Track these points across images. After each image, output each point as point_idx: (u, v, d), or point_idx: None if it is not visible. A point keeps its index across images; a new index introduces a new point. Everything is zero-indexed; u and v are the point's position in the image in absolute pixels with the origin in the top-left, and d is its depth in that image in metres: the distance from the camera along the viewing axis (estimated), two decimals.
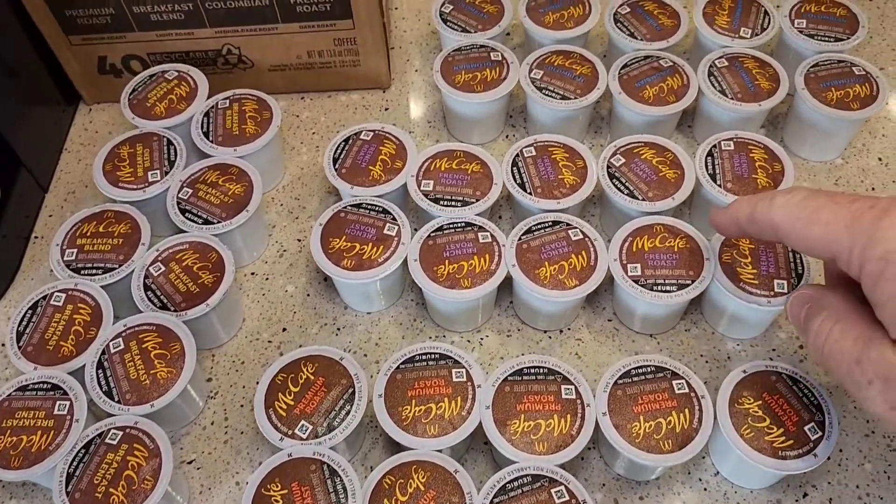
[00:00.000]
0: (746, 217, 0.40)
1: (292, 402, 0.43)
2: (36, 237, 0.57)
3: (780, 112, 0.59)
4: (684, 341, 0.51)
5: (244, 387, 0.50)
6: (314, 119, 0.62)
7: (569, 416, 0.42)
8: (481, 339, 0.51)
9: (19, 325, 0.47)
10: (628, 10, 0.60)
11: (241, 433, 0.48)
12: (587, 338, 0.51)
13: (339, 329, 0.52)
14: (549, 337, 0.51)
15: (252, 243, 0.54)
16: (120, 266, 0.49)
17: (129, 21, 0.57)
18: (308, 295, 0.53)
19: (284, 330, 0.52)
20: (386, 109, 0.63)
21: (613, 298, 0.51)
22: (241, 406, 0.49)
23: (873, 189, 0.57)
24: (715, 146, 0.52)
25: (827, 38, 0.57)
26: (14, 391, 0.44)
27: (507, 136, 0.60)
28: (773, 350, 0.50)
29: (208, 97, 0.57)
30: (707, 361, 0.50)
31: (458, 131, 0.60)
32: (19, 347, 0.46)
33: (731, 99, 0.54)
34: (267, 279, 0.54)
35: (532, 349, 0.51)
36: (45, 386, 0.44)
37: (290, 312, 0.53)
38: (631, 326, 0.51)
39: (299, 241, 0.56)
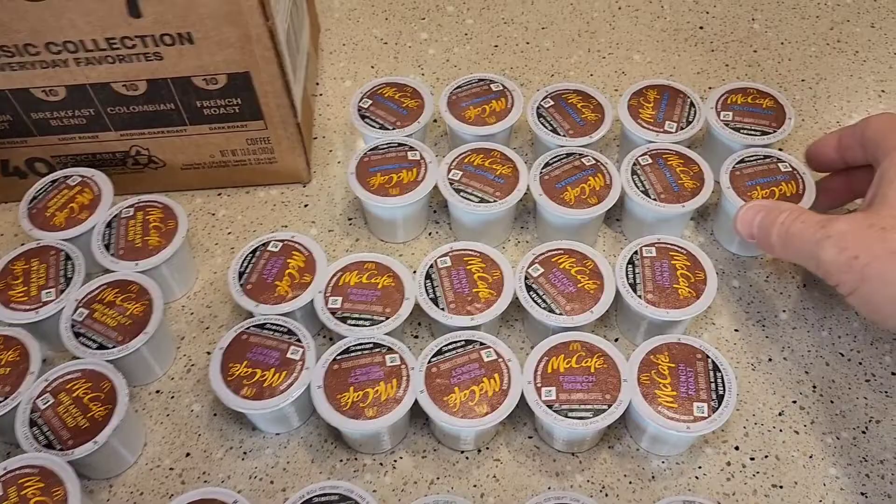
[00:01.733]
0: (836, 145, 0.52)
1: None
2: None
3: (711, 203, 0.58)
4: (607, 459, 0.48)
5: None
6: (230, 217, 0.60)
7: None
8: (395, 460, 0.49)
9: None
10: (552, 103, 0.58)
11: None
12: (506, 458, 0.49)
13: (245, 453, 0.49)
14: (467, 458, 0.49)
15: (158, 360, 0.51)
16: (5, 399, 0.46)
17: (29, 126, 0.54)
18: (215, 415, 0.51)
19: (188, 455, 0.49)
20: (305, 206, 0.60)
21: (534, 416, 0.49)
22: None
23: (805, 286, 0.55)
24: (636, 253, 0.50)
25: (753, 132, 0.56)
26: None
27: (430, 234, 0.58)
28: (700, 468, 0.48)
29: (115, 198, 0.54)
30: (631, 482, 0.47)
31: (379, 232, 0.57)
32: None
33: (655, 200, 0.52)
34: (172, 397, 0.51)
35: (448, 472, 0.48)
36: None
37: (195, 435, 0.50)
38: (552, 445, 0.48)
39: (209, 353, 0.53)
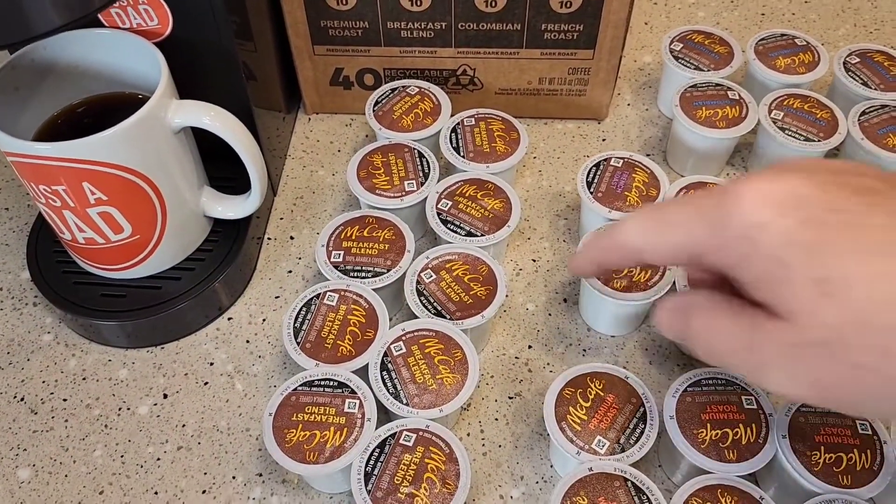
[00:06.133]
0: (601, 252, 0.39)
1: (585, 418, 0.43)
2: (269, 238, 0.58)
3: None
4: None
5: (496, 400, 0.50)
6: (534, 144, 0.63)
7: (868, 451, 0.42)
8: None
9: (295, 322, 0.47)
10: (857, 59, 0.61)
11: (499, 447, 0.48)
12: None
13: (584, 350, 0.52)
14: None
15: (498, 260, 0.54)
16: (388, 271, 0.49)
17: (379, 36, 0.58)
18: (549, 314, 0.54)
19: (530, 347, 0.52)
20: (603, 140, 0.64)
21: None
22: (496, 420, 0.49)
23: None
24: None
25: None
26: (300, 385, 0.44)
27: (726, 175, 0.61)
28: None
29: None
30: None
31: (682, 166, 0.60)
32: (297, 343, 0.46)
33: None
34: (507, 296, 0.54)
35: None
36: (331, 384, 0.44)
37: (534, 331, 0.53)
38: None
39: (534, 261, 0.56)
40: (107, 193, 0.45)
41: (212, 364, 0.51)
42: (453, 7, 0.56)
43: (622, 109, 0.66)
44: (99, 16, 0.48)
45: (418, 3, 0.56)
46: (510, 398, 0.50)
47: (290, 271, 0.56)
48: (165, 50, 0.47)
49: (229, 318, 0.53)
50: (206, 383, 0.50)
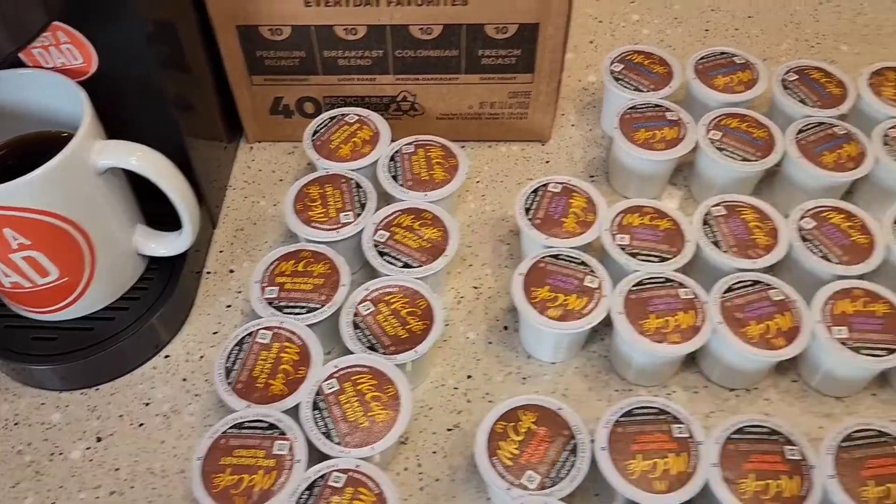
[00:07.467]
0: None
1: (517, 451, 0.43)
2: (209, 272, 0.57)
3: None
4: (873, 405, 0.51)
5: (434, 433, 0.49)
6: (477, 168, 0.63)
7: (797, 477, 0.42)
8: (668, 394, 0.51)
9: (227, 361, 0.47)
10: (796, 77, 0.61)
11: (437, 481, 0.47)
12: (775, 398, 0.51)
13: (524, 378, 0.52)
14: (737, 395, 0.51)
15: (437, 289, 0.54)
16: (322, 306, 0.49)
17: (317, 65, 0.58)
18: (490, 343, 0.53)
19: (469, 377, 0.52)
20: (547, 162, 0.64)
21: (800, 359, 0.51)
22: (434, 453, 0.49)
23: None
24: None
25: None
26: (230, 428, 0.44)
27: (668, 194, 0.61)
28: None
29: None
30: None
31: (624, 188, 0.60)
32: (229, 383, 0.46)
33: None
34: (447, 325, 0.54)
35: (721, 407, 0.51)
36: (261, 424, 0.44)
37: (474, 360, 0.53)
38: (816, 388, 0.51)
39: (475, 288, 0.56)
40: (30, 238, 0.45)
41: (147, 404, 0.51)
42: (389, 36, 0.56)
43: (566, 130, 0.66)
44: (21, 56, 0.48)
45: (353, 33, 0.56)
46: (448, 430, 0.50)
47: (229, 306, 0.55)
48: (92, 88, 0.47)
49: (166, 356, 0.53)
50: (141, 424, 0.50)
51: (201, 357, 0.53)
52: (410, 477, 0.48)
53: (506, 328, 0.54)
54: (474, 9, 0.54)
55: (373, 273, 0.52)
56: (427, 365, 0.51)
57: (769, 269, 0.52)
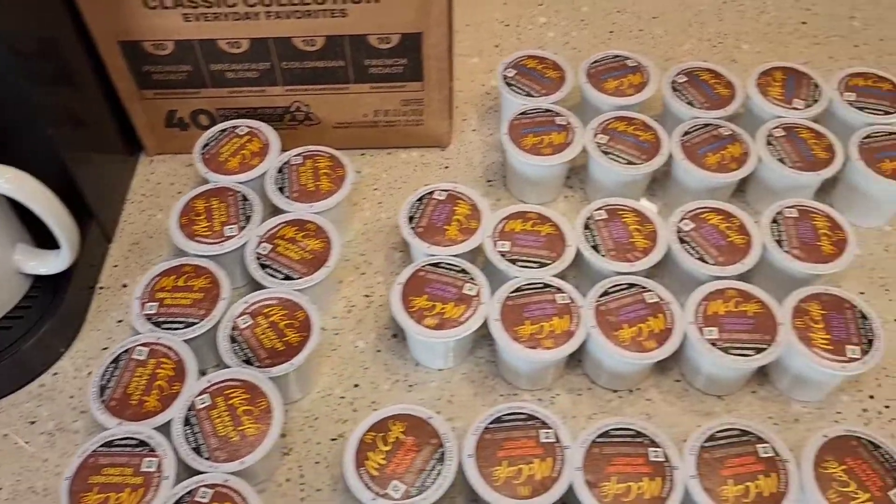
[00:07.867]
0: None
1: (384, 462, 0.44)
2: (102, 287, 0.57)
3: (826, 178, 0.62)
4: (752, 402, 0.52)
5: (318, 443, 0.50)
6: (375, 175, 0.63)
7: (658, 479, 0.43)
8: (553, 396, 0.52)
9: (102, 378, 0.47)
10: (685, 79, 0.62)
11: (318, 491, 0.48)
12: (657, 398, 0.52)
13: (410, 386, 0.52)
14: (620, 397, 0.52)
15: (328, 296, 0.54)
16: (201, 320, 0.49)
17: (205, 78, 0.58)
18: (378, 351, 0.54)
19: (356, 386, 0.52)
20: (446, 168, 0.64)
21: (681, 359, 0.52)
22: (317, 463, 0.49)
23: None
24: (779, 213, 0.54)
25: (876, 112, 0.60)
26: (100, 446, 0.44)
27: (565, 197, 0.62)
28: (839, 413, 0.51)
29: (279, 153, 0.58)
30: (776, 423, 0.51)
31: (520, 192, 0.61)
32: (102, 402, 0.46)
33: (790, 167, 0.56)
34: (336, 334, 0.55)
35: (603, 408, 0.51)
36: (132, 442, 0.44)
37: (362, 368, 0.53)
38: (697, 387, 0.52)
39: (367, 296, 0.56)
40: None
41: (33, 423, 0.51)
42: (273, 48, 0.56)
43: (467, 135, 0.66)
44: None
45: (237, 46, 0.56)
46: (332, 440, 0.50)
47: (119, 321, 0.55)
48: None
49: (54, 374, 0.53)
50: (26, 442, 0.50)
51: (89, 374, 0.53)
52: (293, 487, 0.48)
53: (395, 336, 0.55)
54: (354, 20, 0.54)
55: (259, 286, 0.53)
56: (312, 375, 0.52)
57: (652, 271, 0.53)
